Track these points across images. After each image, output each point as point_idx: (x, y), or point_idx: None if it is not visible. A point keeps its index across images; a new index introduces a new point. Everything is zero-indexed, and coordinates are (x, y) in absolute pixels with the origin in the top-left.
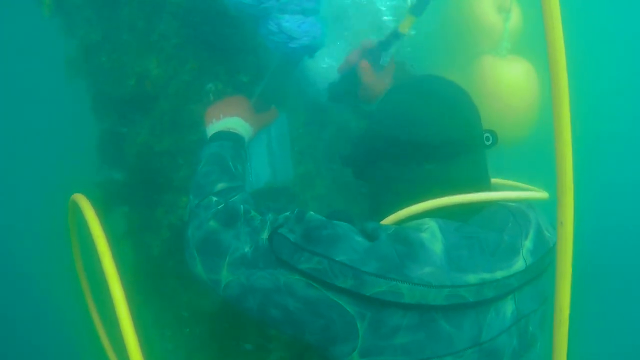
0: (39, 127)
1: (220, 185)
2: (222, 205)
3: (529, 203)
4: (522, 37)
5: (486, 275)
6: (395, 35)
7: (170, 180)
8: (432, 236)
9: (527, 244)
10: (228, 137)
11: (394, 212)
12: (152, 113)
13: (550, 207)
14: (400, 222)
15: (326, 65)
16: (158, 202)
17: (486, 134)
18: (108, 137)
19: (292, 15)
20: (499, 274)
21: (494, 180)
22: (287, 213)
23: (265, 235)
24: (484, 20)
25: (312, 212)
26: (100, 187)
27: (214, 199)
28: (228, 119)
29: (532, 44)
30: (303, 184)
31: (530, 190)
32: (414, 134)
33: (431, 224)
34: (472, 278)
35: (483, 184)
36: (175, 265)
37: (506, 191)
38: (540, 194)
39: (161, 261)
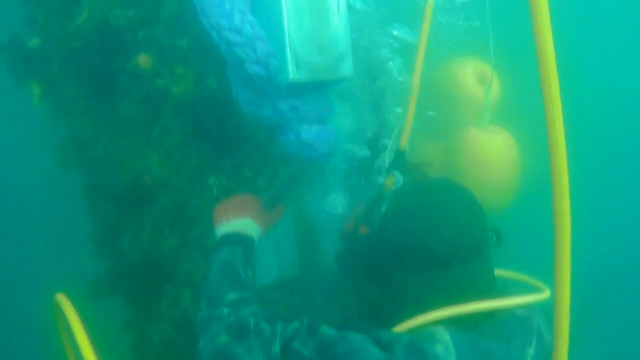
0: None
1: (231, 296)
2: (234, 318)
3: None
4: (503, 105)
5: None
6: (382, 195)
7: (172, 274)
8: (447, 351)
9: (531, 351)
10: (239, 240)
11: (405, 319)
12: (153, 207)
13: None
14: (411, 330)
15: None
16: (159, 294)
17: (490, 234)
18: (103, 228)
19: (310, 125)
20: None
21: (497, 271)
22: (296, 324)
23: (277, 347)
24: (465, 91)
25: (324, 326)
26: (97, 277)
27: (226, 311)
28: (238, 220)
29: (512, 112)
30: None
31: (533, 287)
32: (427, 242)
33: (444, 335)
34: None
35: (491, 287)
36: (176, 356)
37: (512, 298)
38: (543, 295)
39: (163, 351)
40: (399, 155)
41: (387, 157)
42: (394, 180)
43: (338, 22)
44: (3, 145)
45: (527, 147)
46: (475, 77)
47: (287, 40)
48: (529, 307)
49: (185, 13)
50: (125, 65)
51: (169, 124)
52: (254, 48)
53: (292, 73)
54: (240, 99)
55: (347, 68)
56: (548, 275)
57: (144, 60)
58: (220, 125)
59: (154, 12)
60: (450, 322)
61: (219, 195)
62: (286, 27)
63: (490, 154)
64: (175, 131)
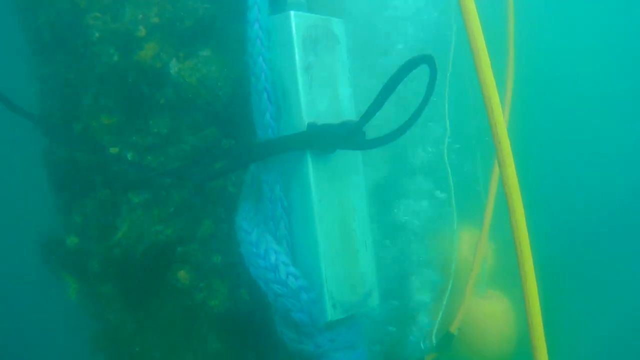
0: None
1: None
2: None
3: None
4: (497, 269)
5: None
6: None
7: None
8: None
9: None
10: None
11: None
12: None
13: None
14: None
15: None
16: None
17: None
18: None
19: (344, 352)
20: None
21: None
22: None
23: None
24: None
25: None
26: None
27: None
28: None
29: (506, 276)
30: None
31: None
32: None
33: None
34: None
35: None
36: None
37: None
38: None
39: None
40: (448, 337)
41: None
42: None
43: (366, 258)
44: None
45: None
46: (470, 247)
47: (324, 286)
48: None
49: (219, 232)
50: (165, 277)
51: (205, 332)
52: (298, 298)
53: (330, 315)
54: (284, 337)
55: (374, 300)
56: None
57: (183, 275)
58: (255, 335)
59: (191, 230)
60: None
61: None
62: (324, 274)
63: (487, 321)
64: (212, 339)
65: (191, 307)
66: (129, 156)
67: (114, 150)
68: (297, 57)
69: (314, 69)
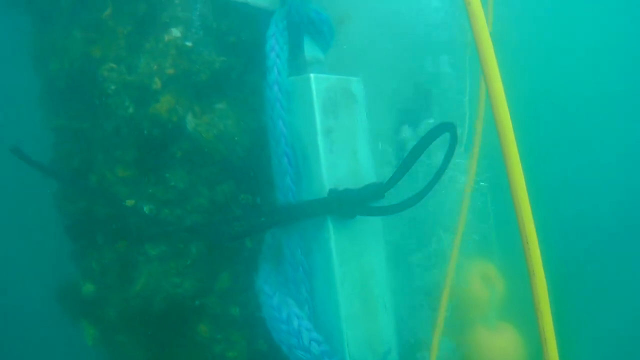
0: None
1: None
2: None
3: None
4: (508, 302)
5: None
6: None
7: None
8: None
9: None
10: None
11: None
12: None
13: None
14: None
15: None
16: None
17: None
18: None
19: None
20: None
21: None
22: None
23: None
24: (471, 292)
25: None
26: None
27: None
28: None
29: (516, 308)
30: None
31: None
32: None
33: None
34: None
35: None
36: None
37: None
38: None
39: None
40: None
41: None
42: None
43: (386, 319)
44: None
45: (533, 340)
46: (480, 278)
47: (346, 350)
48: None
49: (237, 285)
50: (183, 330)
51: None
52: None
53: None
54: None
55: (393, 358)
56: None
57: (202, 329)
58: None
59: (208, 283)
60: None
61: None
62: (345, 337)
63: (496, 353)
64: None
65: (210, 359)
66: (146, 209)
67: (129, 202)
68: (317, 121)
69: (334, 132)
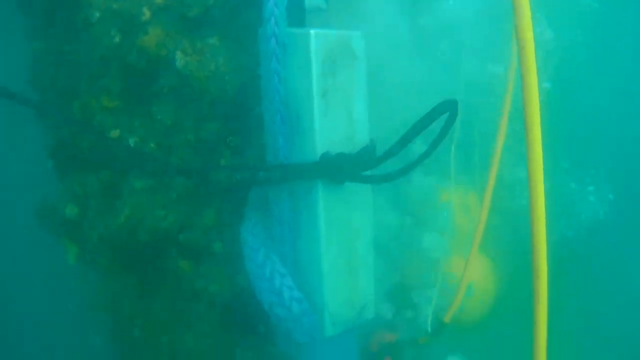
0: None
1: None
2: None
3: None
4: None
5: None
6: (414, 341)
7: None
8: None
9: None
10: None
11: None
12: None
13: None
14: None
15: None
16: None
17: None
18: None
19: None
20: None
21: None
22: None
23: None
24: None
25: None
26: None
27: None
28: None
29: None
30: None
31: None
32: None
33: None
34: None
35: None
36: None
37: None
38: None
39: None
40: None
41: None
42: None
43: (366, 276)
44: None
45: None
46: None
47: (326, 308)
48: None
49: (220, 220)
50: (167, 265)
51: (205, 316)
52: (300, 322)
53: (329, 331)
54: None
55: (370, 313)
56: None
57: (184, 264)
58: (252, 320)
59: (194, 217)
60: None
61: None
62: (326, 296)
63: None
64: (212, 322)
65: (192, 291)
66: (131, 141)
67: (114, 133)
68: (314, 82)
69: (331, 93)
